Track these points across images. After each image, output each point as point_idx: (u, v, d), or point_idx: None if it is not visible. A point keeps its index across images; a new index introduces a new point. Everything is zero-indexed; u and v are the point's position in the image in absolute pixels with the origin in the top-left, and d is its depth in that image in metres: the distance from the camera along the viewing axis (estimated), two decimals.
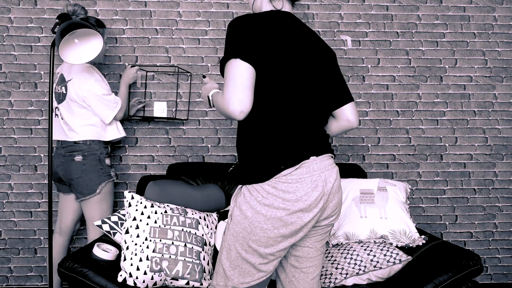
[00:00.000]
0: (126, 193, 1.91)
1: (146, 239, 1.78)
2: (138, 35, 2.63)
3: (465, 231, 2.77)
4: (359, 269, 1.83)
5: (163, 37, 2.64)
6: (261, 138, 1.26)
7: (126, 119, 2.58)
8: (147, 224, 1.82)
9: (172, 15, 2.64)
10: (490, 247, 2.77)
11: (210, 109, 2.67)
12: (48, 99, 2.44)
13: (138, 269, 1.71)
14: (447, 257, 1.87)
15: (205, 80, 1.54)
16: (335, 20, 2.71)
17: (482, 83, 2.75)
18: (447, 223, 2.76)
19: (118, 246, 1.96)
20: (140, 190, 2.31)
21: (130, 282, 1.71)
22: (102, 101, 2.11)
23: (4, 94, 2.60)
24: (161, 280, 1.75)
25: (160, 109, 2.62)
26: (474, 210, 2.77)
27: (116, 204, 2.64)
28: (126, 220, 1.86)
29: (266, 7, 1.37)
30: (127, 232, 1.81)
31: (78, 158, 2.11)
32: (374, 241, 2.00)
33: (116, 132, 2.23)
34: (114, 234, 1.94)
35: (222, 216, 2.14)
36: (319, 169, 1.26)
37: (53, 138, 2.21)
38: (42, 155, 2.62)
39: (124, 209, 2.05)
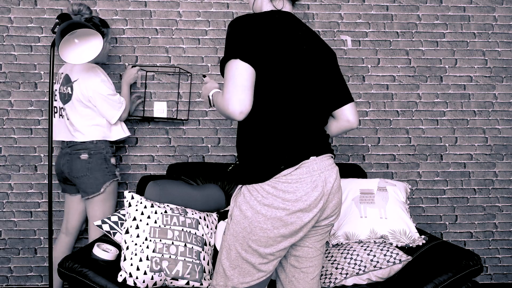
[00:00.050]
0: (126, 193, 1.91)
1: (146, 239, 1.78)
2: (138, 35, 2.63)
3: (465, 231, 2.77)
4: (359, 269, 1.83)
5: (163, 37, 2.64)
6: (261, 138, 1.26)
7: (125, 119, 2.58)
8: (147, 224, 1.82)
9: (172, 15, 2.64)
10: (490, 247, 2.77)
11: (210, 109, 2.67)
12: (48, 99, 2.44)
13: (138, 269, 1.71)
14: (447, 257, 1.87)
15: (206, 80, 1.54)
16: (335, 20, 2.71)
17: (482, 83, 2.75)
18: (447, 223, 2.76)
19: (118, 246, 1.96)
20: (140, 190, 2.31)
21: (130, 282, 1.71)
22: (108, 101, 2.11)
23: (4, 94, 2.60)
24: (161, 280, 1.75)
25: (160, 109, 2.62)
26: (474, 210, 2.77)
27: (116, 204, 2.64)
28: (126, 220, 1.86)
29: (267, 7, 1.37)
30: (127, 232, 1.81)
31: (84, 156, 2.11)
32: (374, 241, 2.00)
33: (121, 131, 2.23)
34: (114, 234, 1.94)
35: (222, 216, 2.14)
36: (319, 169, 1.26)
37: (58, 139, 2.21)
38: (42, 155, 2.62)
39: (124, 209, 2.05)
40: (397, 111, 2.74)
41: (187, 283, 1.78)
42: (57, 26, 2.00)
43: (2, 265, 2.62)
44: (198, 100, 2.67)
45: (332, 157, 1.36)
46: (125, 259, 1.75)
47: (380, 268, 1.82)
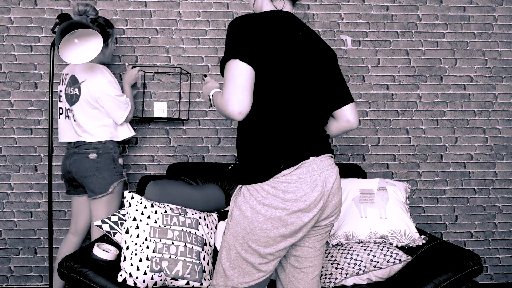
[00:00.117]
0: (126, 193, 1.91)
1: (146, 239, 1.78)
2: (138, 35, 2.63)
3: (465, 231, 2.77)
4: (359, 269, 1.83)
5: (163, 37, 2.64)
6: (261, 138, 1.26)
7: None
8: (147, 224, 1.82)
9: (172, 15, 2.64)
10: (490, 247, 2.77)
11: (210, 109, 2.67)
12: (48, 99, 2.44)
13: (138, 269, 1.71)
14: (447, 257, 1.87)
15: (206, 80, 1.54)
16: (335, 20, 2.71)
17: (482, 83, 2.75)
18: (447, 223, 2.76)
19: (118, 246, 1.96)
20: (140, 190, 2.31)
21: (130, 282, 1.71)
22: (115, 102, 2.11)
23: (4, 94, 2.60)
24: (161, 280, 1.75)
25: (160, 109, 2.62)
26: (474, 210, 2.77)
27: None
28: (126, 220, 1.86)
29: (267, 7, 1.37)
30: (127, 232, 1.81)
31: (93, 156, 2.11)
32: (374, 241, 2.00)
33: (127, 131, 2.24)
34: (114, 234, 1.94)
35: (222, 216, 2.14)
36: (318, 169, 1.26)
37: (63, 140, 2.20)
38: (42, 155, 2.62)
39: (124, 209, 2.05)
40: (397, 111, 2.74)
41: (187, 283, 1.78)
42: (57, 26, 2.00)
43: (2, 265, 2.62)
44: (198, 100, 2.67)
45: (332, 157, 1.36)
46: (125, 259, 1.75)
47: (380, 268, 1.82)
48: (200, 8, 2.65)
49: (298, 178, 1.23)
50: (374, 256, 1.87)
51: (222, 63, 1.24)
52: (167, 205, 1.95)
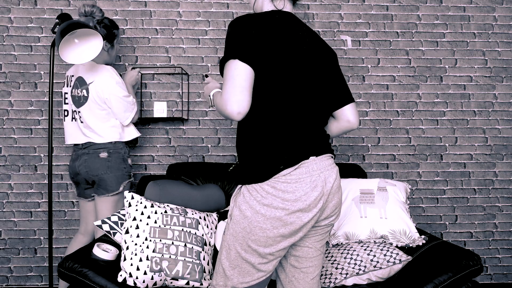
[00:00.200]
0: (126, 193, 1.91)
1: (146, 239, 1.78)
2: (138, 35, 2.63)
3: (465, 231, 2.77)
4: (359, 269, 1.83)
5: (163, 37, 2.64)
6: (261, 138, 1.26)
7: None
8: (147, 224, 1.82)
9: (172, 15, 2.64)
10: (490, 247, 2.77)
11: (210, 109, 2.67)
12: (48, 99, 2.44)
13: (138, 269, 1.71)
14: (447, 257, 1.87)
15: (207, 80, 1.54)
16: (335, 20, 2.71)
17: (482, 83, 2.75)
18: (447, 223, 2.76)
19: (118, 246, 1.96)
20: (140, 190, 2.31)
21: (130, 282, 1.71)
22: (123, 103, 2.11)
23: (4, 94, 2.60)
24: (161, 280, 1.75)
25: (160, 109, 2.62)
26: (474, 210, 2.77)
27: None
28: (126, 220, 1.86)
29: (267, 7, 1.37)
30: (127, 232, 1.81)
31: (104, 155, 2.11)
32: (374, 241, 2.00)
33: (133, 131, 2.25)
34: (114, 234, 1.94)
35: (222, 216, 2.14)
36: (318, 169, 1.26)
37: (70, 142, 2.19)
38: (42, 155, 2.62)
39: (124, 209, 2.05)
40: (397, 111, 2.74)
41: (187, 283, 1.78)
42: (57, 26, 2.00)
43: (2, 265, 2.62)
44: (198, 100, 2.67)
45: (332, 157, 1.36)
46: (125, 259, 1.75)
47: (380, 268, 1.82)
48: (200, 8, 2.65)
49: (298, 178, 1.22)
50: (374, 256, 1.87)
51: (222, 63, 1.24)
52: (167, 205, 1.95)
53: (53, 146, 2.61)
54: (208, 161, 2.68)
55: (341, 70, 1.47)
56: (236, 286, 1.29)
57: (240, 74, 1.17)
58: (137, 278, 1.71)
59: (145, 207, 1.87)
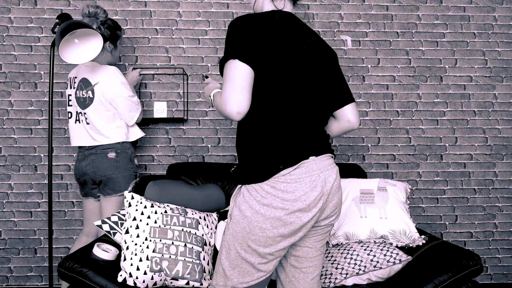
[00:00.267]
0: (126, 193, 1.91)
1: (146, 239, 1.78)
2: (138, 35, 2.63)
3: (465, 231, 2.77)
4: (359, 269, 1.83)
5: (163, 37, 2.64)
6: (260, 138, 1.26)
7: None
8: (147, 224, 1.82)
9: (172, 15, 2.64)
10: (490, 247, 2.77)
11: (210, 109, 2.68)
12: (48, 99, 2.44)
13: (138, 269, 1.71)
14: (447, 257, 1.87)
15: (207, 80, 1.54)
16: (335, 20, 2.71)
17: (482, 83, 2.75)
18: (447, 223, 2.76)
19: (118, 246, 1.96)
20: (140, 190, 2.31)
21: (130, 282, 1.71)
22: (128, 103, 2.11)
23: (4, 94, 2.60)
24: (161, 280, 1.75)
25: (160, 109, 2.63)
26: (474, 210, 2.77)
27: None
28: (126, 220, 1.86)
29: (268, 7, 1.37)
30: (127, 232, 1.81)
31: (112, 155, 2.12)
32: (374, 241, 2.00)
33: (138, 131, 2.25)
34: (114, 234, 1.94)
35: (222, 216, 2.14)
36: (318, 169, 1.26)
37: (76, 144, 2.19)
38: (42, 155, 2.62)
39: (124, 209, 2.05)
40: (397, 111, 2.74)
41: (187, 283, 1.78)
42: (57, 26, 2.00)
43: (2, 265, 2.62)
44: (198, 100, 2.67)
45: (332, 157, 1.36)
46: (125, 259, 1.75)
47: (380, 268, 1.82)
48: (200, 8, 2.65)
49: (298, 178, 1.22)
50: (374, 256, 1.87)
51: (222, 63, 1.24)
52: (167, 205, 1.95)
53: (53, 146, 2.61)
54: (208, 161, 2.68)
55: (341, 70, 1.47)
56: (236, 286, 1.29)
57: (240, 74, 1.17)
58: (137, 278, 1.71)
59: (145, 207, 1.87)
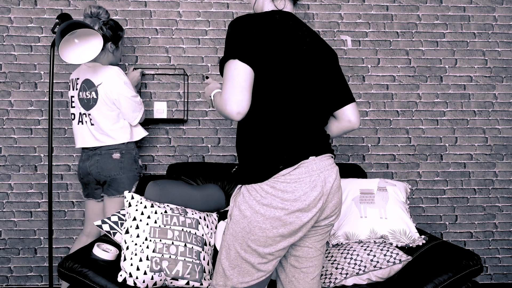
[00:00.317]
0: (126, 193, 1.91)
1: (146, 239, 1.78)
2: (138, 35, 2.63)
3: (465, 231, 2.77)
4: (359, 269, 1.83)
5: (163, 37, 2.64)
6: (260, 138, 1.26)
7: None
8: (147, 224, 1.82)
9: (172, 15, 2.64)
10: (490, 247, 2.77)
11: (210, 109, 2.68)
12: (48, 99, 2.44)
13: (138, 269, 1.71)
14: (447, 257, 1.87)
15: (208, 81, 1.54)
16: (335, 20, 2.71)
17: (482, 83, 2.75)
18: (447, 223, 2.76)
19: (118, 246, 1.96)
20: (140, 190, 2.31)
21: (130, 282, 1.71)
22: (131, 103, 2.12)
23: (4, 94, 2.60)
24: (161, 280, 1.75)
25: (160, 109, 2.63)
26: (474, 210, 2.77)
27: None
28: (126, 220, 1.86)
29: (268, 6, 1.37)
30: (127, 232, 1.81)
31: (116, 155, 2.12)
32: (374, 241, 2.00)
33: (141, 131, 2.26)
34: (114, 234, 1.94)
35: (222, 216, 2.14)
36: (318, 169, 1.26)
37: (80, 146, 2.19)
38: (42, 155, 2.62)
39: (124, 209, 2.05)
40: (397, 111, 2.74)
41: (187, 283, 1.78)
42: (57, 26, 2.00)
43: (2, 265, 2.62)
44: (198, 100, 2.67)
45: (332, 157, 1.36)
46: (125, 259, 1.75)
47: (380, 268, 1.82)
48: (200, 8, 2.65)
49: (297, 178, 1.22)
50: (374, 256, 1.87)
51: (222, 63, 1.24)
52: (167, 205, 1.95)
53: (53, 146, 2.61)
54: (208, 161, 2.68)
55: (341, 70, 1.47)
56: (236, 286, 1.29)
57: (240, 74, 1.17)
58: (137, 278, 1.71)
59: (145, 207, 1.87)
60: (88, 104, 2.12)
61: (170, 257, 1.77)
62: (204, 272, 1.83)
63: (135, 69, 2.49)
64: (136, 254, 1.74)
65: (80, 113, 2.16)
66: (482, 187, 2.76)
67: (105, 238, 2.00)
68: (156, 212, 1.87)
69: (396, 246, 1.99)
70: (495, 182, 2.77)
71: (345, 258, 1.90)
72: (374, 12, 2.72)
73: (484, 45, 2.74)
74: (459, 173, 2.76)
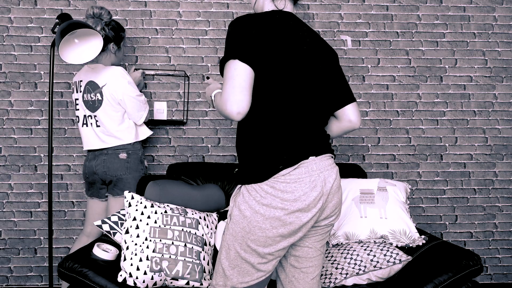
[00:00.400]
0: (126, 193, 1.91)
1: (146, 239, 1.78)
2: (138, 35, 2.63)
3: (465, 231, 2.77)
4: (359, 269, 1.83)
5: (163, 37, 2.64)
6: (260, 138, 1.26)
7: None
8: (147, 224, 1.82)
9: (172, 15, 2.64)
10: (490, 247, 2.77)
11: (210, 109, 2.67)
12: (48, 99, 2.44)
13: (138, 269, 1.71)
14: (447, 257, 1.87)
15: (209, 81, 1.54)
16: (335, 20, 2.71)
17: (482, 83, 2.75)
18: (447, 223, 2.76)
19: (118, 246, 1.96)
20: (140, 190, 2.31)
21: (130, 282, 1.71)
22: (136, 102, 2.12)
23: (4, 94, 2.60)
24: (161, 280, 1.75)
25: (160, 109, 2.63)
26: (474, 210, 2.77)
27: None
28: (126, 220, 1.86)
29: (268, 6, 1.37)
30: (127, 232, 1.81)
31: (123, 155, 2.13)
32: (374, 241, 2.00)
33: (146, 130, 2.26)
34: (114, 234, 1.94)
35: (222, 216, 2.14)
36: (318, 169, 1.26)
37: (88, 148, 2.19)
38: (42, 155, 2.62)
39: (124, 209, 2.05)
40: (397, 111, 2.74)
41: (187, 283, 1.78)
42: (57, 26, 2.00)
43: (2, 265, 2.62)
44: (198, 100, 2.67)
45: (332, 157, 1.36)
46: (125, 259, 1.75)
47: (380, 268, 1.82)
48: (200, 8, 2.65)
49: (297, 178, 1.22)
50: (374, 256, 1.87)
51: (222, 63, 1.24)
52: (167, 205, 1.95)
53: (53, 146, 2.61)
54: (208, 161, 2.68)
55: (342, 70, 1.47)
56: (236, 286, 1.29)
57: (240, 74, 1.17)
58: (137, 278, 1.71)
59: (145, 207, 1.88)
60: (94, 106, 2.12)
61: (170, 257, 1.77)
62: (204, 272, 1.83)
63: (136, 69, 2.50)
64: (136, 254, 1.74)
65: (84, 116, 2.16)
66: (482, 187, 2.76)
67: (105, 238, 2.00)
68: (156, 212, 1.87)
69: (396, 246, 1.99)
70: (495, 182, 2.77)
71: (345, 258, 1.90)
72: (374, 12, 2.72)
73: (484, 45, 2.74)
74: (459, 173, 2.76)
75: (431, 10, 2.73)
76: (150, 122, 2.64)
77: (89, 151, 2.22)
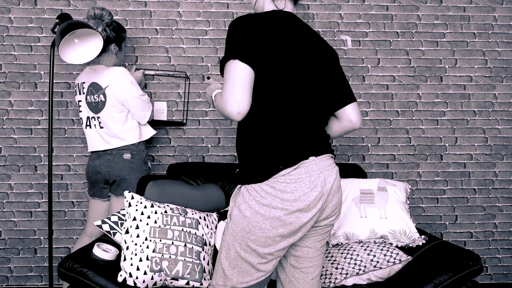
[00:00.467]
0: (126, 193, 1.91)
1: (146, 239, 1.78)
2: (138, 35, 2.63)
3: (465, 231, 2.77)
4: (359, 269, 1.83)
5: (163, 37, 2.64)
6: (260, 138, 1.26)
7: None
8: (147, 224, 1.82)
9: (172, 15, 2.64)
10: (490, 247, 2.77)
11: (210, 109, 2.67)
12: (48, 99, 2.44)
13: (138, 269, 1.71)
14: (447, 257, 1.87)
15: (209, 81, 1.54)
16: (335, 20, 2.71)
17: (482, 83, 2.75)
18: (447, 223, 2.76)
19: (118, 246, 1.96)
20: (140, 190, 2.31)
21: (130, 282, 1.71)
22: (139, 102, 2.12)
23: (4, 94, 2.60)
24: (161, 280, 1.75)
25: (160, 109, 2.62)
26: (474, 210, 2.77)
27: None
28: (126, 220, 1.86)
29: (268, 6, 1.37)
30: (127, 232, 1.81)
31: (127, 156, 2.13)
32: (374, 241, 2.00)
33: (150, 130, 2.27)
34: (114, 234, 1.94)
35: (222, 216, 2.14)
36: (318, 169, 1.26)
37: (92, 150, 2.19)
38: (42, 155, 2.62)
39: (124, 209, 2.05)
40: (397, 111, 2.74)
41: (187, 283, 1.78)
42: (57, 26, 2.00)
43: (2, 265, 2.62)
44: (198, 100, 2.67)
45: (332, 157, 1.36)
46: (125, 259, 1.75)
47: (380, 268, 1.82)
48: (200, 8, 2.65)
49: (297, 178, 1.22)
50: (374, 256, 1.87)
51: (222, 63, 1.24)
52: (167, 205, 1.95)
53: (53, 146, 2.61)
54: (208, 161, 2.68)
55: (342, 70, 1.47)
56: (236, 286, 1.29)
57: (240, 74, 1.17)
58: (137, 278, 1.71)
59: (145, 207, 1.88)
60: (97, 107, 2.12)
61: (170, 257, 1.77)
62: (204, 272, 1.83)
63: (137, 69, 2.50)
64: (136, 254, 1.74)
65: (88, 117, 2.17)
66: (482, 187, 2.76)
67: (105, 238, 2.00)
68: (156, 212, 1.87)
69: (396, 246, 1.99)
70: (495, 182, 2.77)
71: (345, 258, 1.90)
72: (374, 12, 2.72)
73: (484, 45, 2.74)
74: (459, 173, 2.76)
75: (431, 10, 2.73)
76: (150, 122, 2.63)
77: (93, 152, 2.22)
